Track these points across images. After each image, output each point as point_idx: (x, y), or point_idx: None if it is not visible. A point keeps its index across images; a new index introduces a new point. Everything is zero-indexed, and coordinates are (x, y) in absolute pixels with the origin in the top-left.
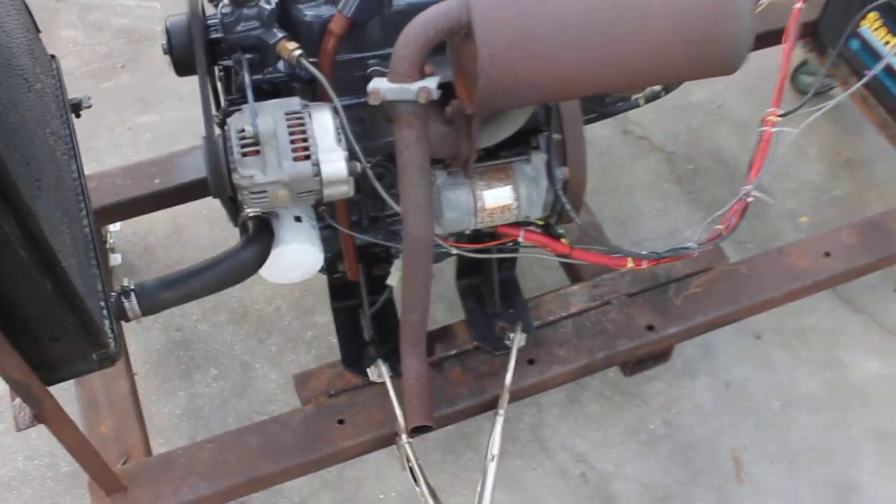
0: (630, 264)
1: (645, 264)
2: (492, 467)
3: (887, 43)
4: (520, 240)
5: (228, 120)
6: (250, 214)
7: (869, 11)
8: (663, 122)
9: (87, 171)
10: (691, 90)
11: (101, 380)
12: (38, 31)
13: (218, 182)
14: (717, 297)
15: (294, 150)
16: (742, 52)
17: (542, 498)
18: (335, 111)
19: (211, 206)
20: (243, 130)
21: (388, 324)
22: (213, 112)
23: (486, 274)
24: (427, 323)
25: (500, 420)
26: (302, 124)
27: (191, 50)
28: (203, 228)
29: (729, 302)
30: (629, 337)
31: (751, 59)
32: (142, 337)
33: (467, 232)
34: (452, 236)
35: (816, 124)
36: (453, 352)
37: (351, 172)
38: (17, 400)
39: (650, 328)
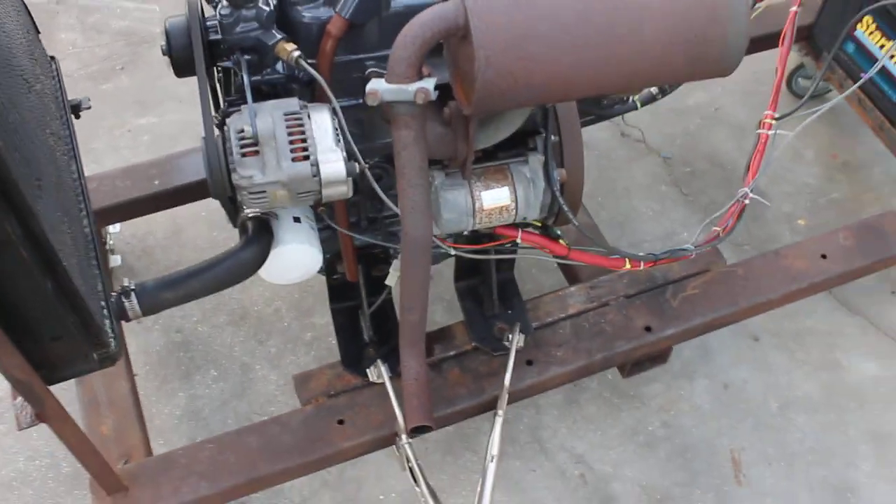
0: (627, 266)
1: (642, 266)
2: (491, 468)
3: (882, 46)
4: (518, 241)
5: (227, 120)
6: (249, 215)
7: (864, 15)
8: (660, 125)
9: (86, 173)
10: (688, 93)
11: (101, 380)
12: (37, 32)
13: (217, 182)
14: (714, 299)
15: (293, 151)
16: (737, 54)
17: (542, 499)
18: (334, 112)
19: (210, 208)
20: (242, 131)
21: (387, 325)
22: (213, 113)
23: (485, 275)
24: (426, 323)
25: (499, 421)
26: (301, 125)
27: (190, 51)
28: (202, 230)
29: (726, 304)
30: (627, 338)
31: (748, 63)
32: (142, 338)
33: (465, 233)
34: (451, 237)
35: (813, 127)
36: (452, 353)
37: (349, 173)
38: (19, 399)
39: (648, 329)
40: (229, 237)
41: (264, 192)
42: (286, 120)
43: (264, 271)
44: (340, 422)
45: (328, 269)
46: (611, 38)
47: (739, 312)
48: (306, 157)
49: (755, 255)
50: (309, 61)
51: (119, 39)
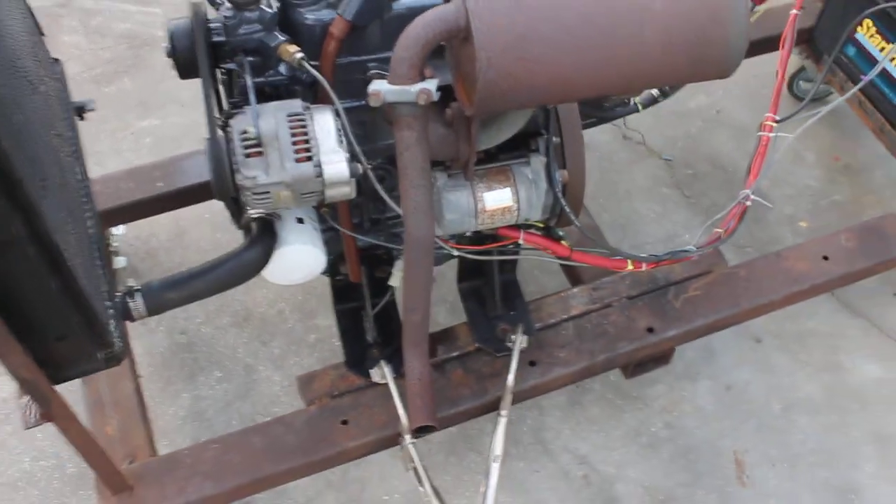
0: (630, 267)
1: (644, 267)
2: (495, 468)
3: (882, 49)
4: (520, 242)
5: (231, 122)
6: (253, 216)
7: (864, 18)
8: (662, 127)
9: (89, 175)
10: (690, 96)
11: (106, 381)
12: (41, 34)
13: (221, 183)
14: (716, 300)
15: (296, 152)
16: (737, 55)
17: (545, 500)
18: (336, 113)
19: (213, 210)
20: (246, 132)
21: (390, 325)
22: (216, 115)
23: (488, 276)
24: (429, 323)
25: (502, 421)
26: (304, 126)
27: (193, 53)
28: (205, 232)
29: (728, 305)
30: (629, 339)
31: (749, 66)
32: (146, 339)
33: (468, 234)
34: (453, 238)
35: (814, 130)
36: (455, 353)
37: (352, 173)
38: (25, 398)
39: (650, 330)
40: (233, 239)
41: (268, 192)
42: (289, 121)
43: (268, 272)
44: (344, 422)
45: (331, 270)
46: (612, 39)
47: (741, 314)
48: (309, 158)
49: (757, 256)
50: (312, 63)
51: (122, 42)
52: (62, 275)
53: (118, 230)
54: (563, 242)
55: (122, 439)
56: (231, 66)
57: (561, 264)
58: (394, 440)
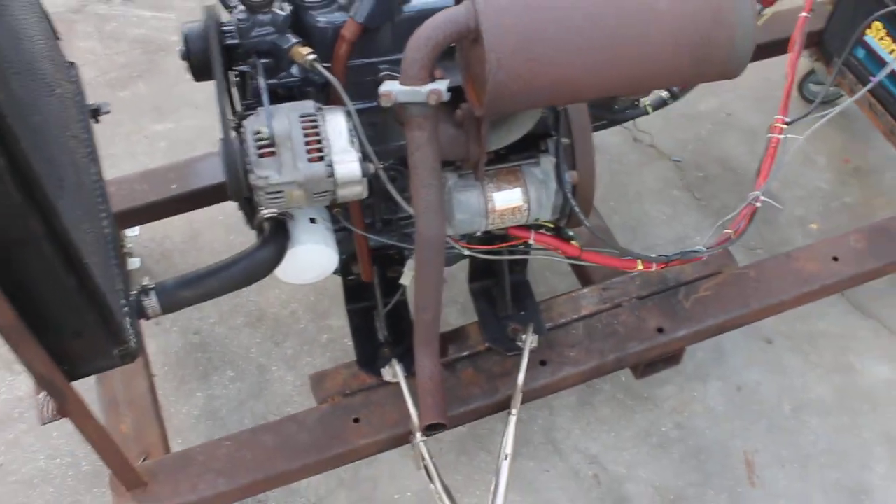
0: (639, 267)
1: (654, 267)
2: (505, 467)
3: (892, 51)
4: (530, 242)
5: (244, 122)
6: (266, 216)
7: (874, 20)
8: (672, 129)
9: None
10: (700, 99)
11: (121, 380)
12: (57, 38)
13: (235, 183)
14: (726, 301)
15: (308, 152)
16: (744, 56)
17: (555, 499)
18: (348, 114)
19: (227, 212)
20: (259, 132)
21: (401, 325)
22: (230, 116)
23: (498, 276)
24: (440, 322)
25: (512, 420)
26: (316, 126)
27: (207, 55)
28: (219, 234)
29: (738, 305)
30: (640, 339)
31: (759, 69)
32: (161, 339)
33: (478, 234)
34: (464, 238)
35: (825, 132)
36: (466, 353)
37: (364, 173)
38: (42, 394)
39: (660, 331)
40: (246, 241)
41: (281, 192)
42: (302, 121)
43: (280, 271)
44: (356, 420)
45: (343, 270)
46: (619, 40)
47: (751, 314)
48: (321, 158)
49: (767, 257)
50: (324, 65)
51: (136, 47)
52: (78, 272)
53: (132, 231)
54: (573, 242)
55: (137, 437)
56: (244, 68)
57: (571, 265)
58: (405, 438)
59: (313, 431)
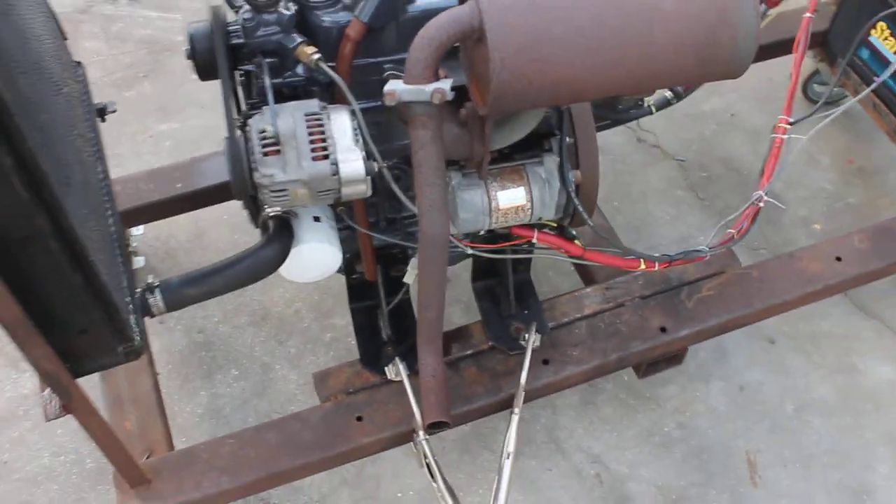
0: (642, 266)
1: (657, 266)
2: (507, 465)
3: None
4: (534, 241)
5: (249, 121)
6: (271, 214)
7: (878, 21)
8: (676, 130)
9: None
10: (704, 99)
11: (125, 377)
12: (64, 38)
13: (239, 181)
14: (729, 301)
15: (313, 150)
16: (747, 56)
17: (558, 498)
18: (353, 113)
19: (231, 212)
20: (264, 131)
21: (405, 323)
22: (235, 115)
23: (502, 275)
24: (443, 320)
25: (515, 419)
26: (321, 125)
27: (213, 55)
28: (224, 233)
29: (741, 305)
30: (642, 338)
31: (763, 69)
32: (165, 338)
33: (482, 233)
34: (468, 237)
35: (828, 133)
36: (469, 352)
37: (368, 172)
38: (47, 391)
39: (663, 330)
40: (250, 240)
41: (285, 190)
42: (307, 120)
43: (284, 269)
44: (359, 418)
45: (347, 268)
46: (623, 40)
47: (754, 314)
48: (326, 157)
49: (770, 257)
50: (328, 64)
51: (142, 48)
52: (85, 270)
53: (138, 230)
54: (576, 242)
55: (141, 434)
56: (249, 67)
57: (574, 264)
58: (408, 436)
59: (316, 429)
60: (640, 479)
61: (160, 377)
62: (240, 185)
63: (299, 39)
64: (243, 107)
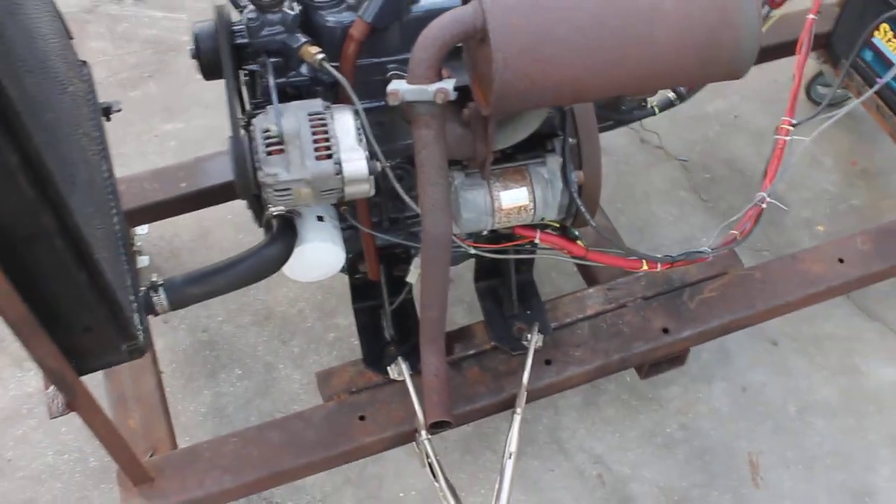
0: (644, 267)
1: (659, 267)
2: (509, 465)
3: None
4: (536, 241)
5: (254, 121)
6: (274, 213)
7: (881, 23)
8: (680, 131)
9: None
10: (707, 101)
11: (129, 376)
12: (70, 37)
13: (243, 180)
14: (731, 302)
15: (317, 150)
16: (749, 57)
17: (560, 499)
18: (356, 113)
19: (235, 212)
20: (268, 130)
21: (408, 323)
22: (239, 115)
23: (504, 276)
24: (445, 320)
25: (517, 418)
26: (324, 124)
27: (217, 54)
28: (228, 233)
29: (743, 306)
30: (644, 339)
31: (767, 71)
32: (169, 337)
33: (485, 233)
34: (471, 237)
35: (832, 134)
36: (472, 352)
37: (371, 171)
38: (51, 388)
39: (665, 331)
40: (254, 240)
41: (289, 189)
42: (310, 120)
43: (288, 269)
44: (362, 418)
45: (350, 268)
46: (624, 40)
47: (756, 315)
48: (329, 156)
49: (773, 258)
50: (332, 64)
51: (147, 48)
52: (89, 268)
53: (142, 230)
54: (578, 242)
55: (144, 433)
56: (254, 67)
57: (577, 265)
58: (410, 436)
59: (319, 429)
60: (643, 479)
61: (164, 376)
62: (244, 185)
63: (303, 39)
64: (247, 106)
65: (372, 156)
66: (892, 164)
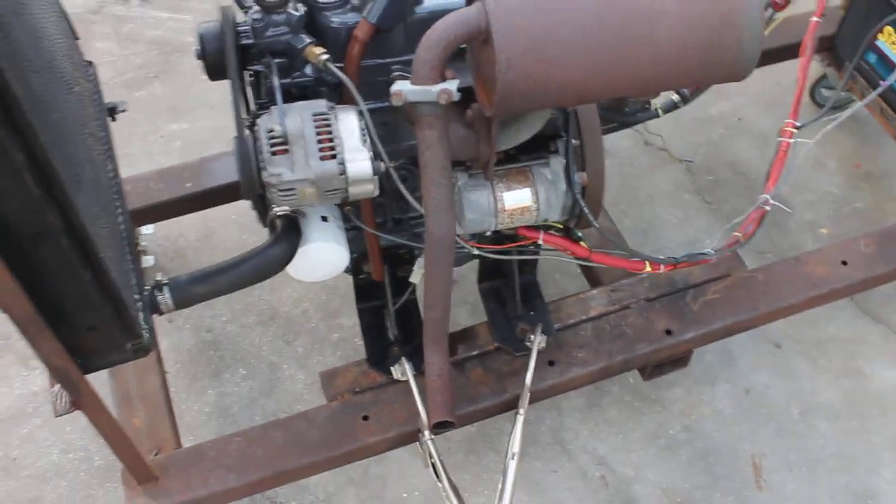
0: (648, 268)
1: (662, 268)
2: (512, 466)
3: None
4: (540, 242)
5: (258, 121)
6: (278, 213)
7: (885, 25)
8: (683, 133)
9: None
10: (711, 103)
11: (134, 375)
12: (76, 37)
13: (248, 180)
14: (734, 304)
15: (321, 150)
16: (751, 58)
17: (563, 500)
18: (360, 113)
19: (240, 212)
20: (273, 130)
21: (411, 323)
22: (244, 115)
23: (508, 277)
24: (448, 320)
25: (520, 419)
26: (328, 125)
27: (222, 55)
28: (233, 233)
29: (746, 308)
30: (647, 341)
31: (771, 73)
32: (173, 337)
33: (488, 234)
34: (474, 238)
35: (835, 137)
36: (475, 352)
37: (375, 172)
38: (56, 387)
39: (668, 333)
40: (259, 240)
41: (293, 189)
42: (314, 120)
43: (292, 268)
44: (365, 418)
45: (354, 268)
46: (625, 40)
47: (759, 317)
48: (333, 156)
49: (776, 261)
50: (337, 65)
51: (153, 49)
52: (94, 266)
53: (147, 229)
54: (582, 244)
55: (149, 432)
56: (258, 67)
57: (580, 266)
58: (413, 436)
59: (323, 429)
60: (646, 481)
61: (169, 375)
62: (248, 184)
63: (308, 40)
64: (252, 107)
65: (376, 156)
66: None
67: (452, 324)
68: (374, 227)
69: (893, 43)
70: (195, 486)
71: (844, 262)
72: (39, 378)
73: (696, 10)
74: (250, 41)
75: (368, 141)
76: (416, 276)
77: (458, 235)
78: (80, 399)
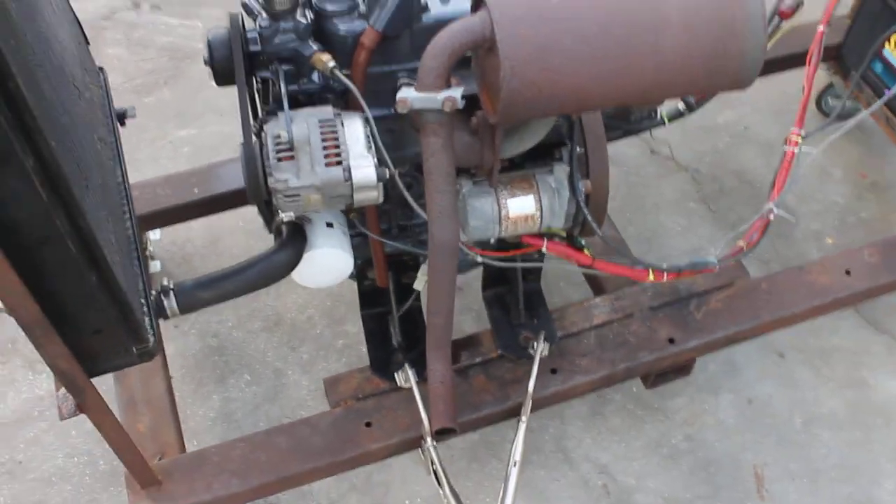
0: (651, 276)
1: (665, 277)
2: (514, 473)
3: None
4: (543, 250)
5: (265, 127)
6: (284, 219)
7: (892, 34)
8: (690, 142)
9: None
10: (717, 112)
11: (139, 379)
12: (87, 43)
13: (254, 186)
14: (737, 312)
15: (326, 157)
16: (755, 67)
17: None
18: (366, 120)
19: (247, 219)
20: (279, 136)
21: (415, 330)
22: (251, 121)
23: (512, 285)
24: (452, 326)
25: (522, 427)
26: (334, 132)
27: (230, 61)
28: (239, 239)
29: (749, 317)
30: (650, 349)
31: (777, 82)
32: (179, 342)
33: (492, 241)
34: (478, 245)
35: (841, 147)
36: (478, 360)
37: (380, 178)
38: (62, 391)
39: (671, 341)
40: (265, 247)
41: (298, 195)
42: (320, 127)
43: (297, 274)
44: (368, 424)
45: (359, 275)
46: (629, 49)
47: (762, 326)
48: (339, 163)
49: (780, 270)
50: (343, 72)
51: (163, 55)
52: (101, 270)
53: (155, 235)
54: (585, 251)
55: (153, 436)
56: (266, 74)
57: (584, 274)
58: (416, 443)
59: (326, 435)
60: (647, 490)
61: (174, 380)
62: (254, 190)
63: (315, 47)
64: (260, 113)
65: (381, 163)
66: None
67: (457, 331)
68: (378, 233)
69: None
70: (199, 490)
71: (848, 272)
72: (46, 382)
73: (701, 19)
74: (258, 48)
75: (374, 148)
76: (421, 283)
77: (463, 242)
78: (85, 403)
